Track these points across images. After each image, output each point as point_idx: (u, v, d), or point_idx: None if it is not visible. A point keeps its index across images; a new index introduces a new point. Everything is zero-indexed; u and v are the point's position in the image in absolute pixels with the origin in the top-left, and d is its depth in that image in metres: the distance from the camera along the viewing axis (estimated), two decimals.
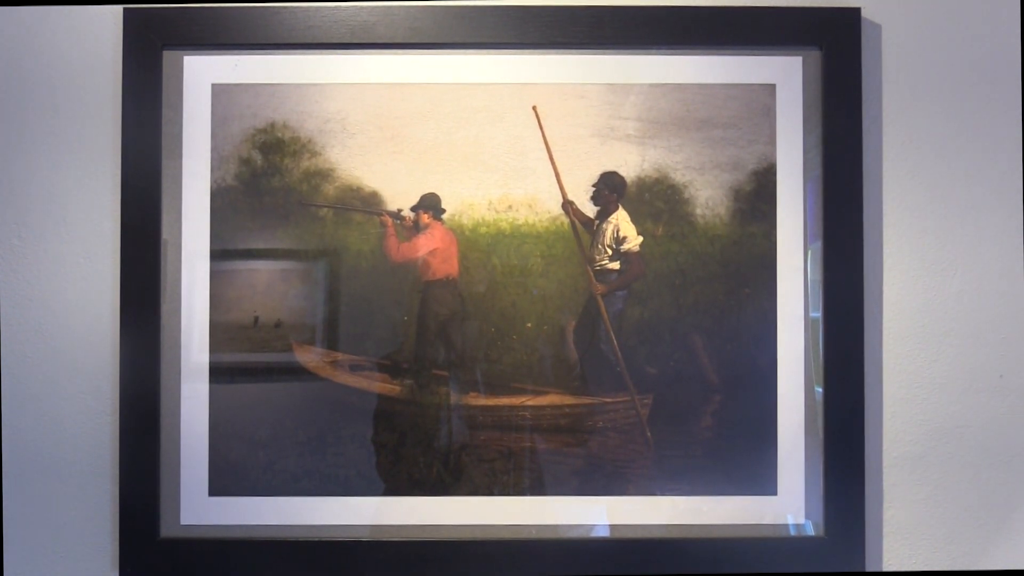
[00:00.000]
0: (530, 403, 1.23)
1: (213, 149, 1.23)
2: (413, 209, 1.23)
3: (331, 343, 1.23)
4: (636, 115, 1.23)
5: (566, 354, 1.23)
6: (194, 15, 1.22)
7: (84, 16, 1.25)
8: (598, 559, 1.21)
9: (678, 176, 1.23)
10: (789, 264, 1.24)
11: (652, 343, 1.23)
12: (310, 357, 1.23)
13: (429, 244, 1.23)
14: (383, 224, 1.23)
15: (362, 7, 1.22)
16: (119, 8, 1.23)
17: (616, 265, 1.24)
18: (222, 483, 1.22)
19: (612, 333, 1.23)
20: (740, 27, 1.22)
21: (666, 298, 1.23)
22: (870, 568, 1.25)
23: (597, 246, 1.24)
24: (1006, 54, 1.26)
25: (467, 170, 1.23)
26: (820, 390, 1.23)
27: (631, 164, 1.23)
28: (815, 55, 1.24)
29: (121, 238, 1.21)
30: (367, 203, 1.23)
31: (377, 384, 1.23)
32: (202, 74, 1.23)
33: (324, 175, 1.23)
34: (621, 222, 1.23)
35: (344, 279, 1.23)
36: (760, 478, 1.23)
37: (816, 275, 1.23)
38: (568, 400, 1.23)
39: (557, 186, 1.23)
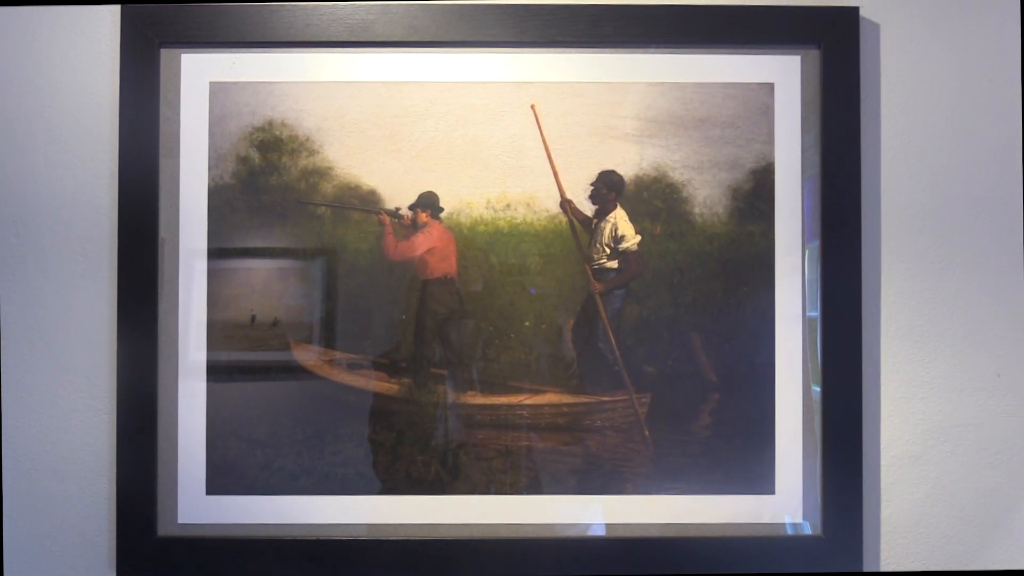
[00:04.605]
0: (528, 402, 1.23)
1: (211, 147, 1.23)
2: (411, 207, 1.23)
3: (329, 341, 1.23)
4: (634, 114, 1.23)
5: (564, 353, 1.23)
6: (192, 13, 1.22)
7: (82, 14, 1.24)
8: (596, 558, 1.21)
9: (676, 175, 1.23)
10: (787, 263, 1.24)
11: (650, 342, 1.23)
12: (308, 355, 1.23)
13: (427, 243, 1.23)
14: (381, 223, 1.23)
15: (360, 5, 1.22)
16: (117, 6, 1.23)
17: (614, 264, 1.24)
18: (219, 482, 1.22)
19: (610, 332, 1.23)
20: (739, 26, 1.22)
21: (664, 297, 1.23)
22: (868, 567, 1.25)
23: (595, 245, 1.24)
24: (1005, 53, 1.26)
25: (465, 168, 1.23)
26: (818, 389, 1.23)
27: (629, 163, 1.23)
28: (814, 54, 1.24)
29: (118, 236, 1.21)
30: (365, 201, 1.23)
31: (375, 383, 1.23)
32: (200, 72, 1.23)
33: (322, 173, 1.23)
34: (619, 221, 1.23)
35: (342, 278, 1.23)
36: (758, 477, 1.23)
37: (814, 274, 1.23)
38: (566, 399, 1.23)
39: (555, 185, 1.23)
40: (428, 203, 1.23)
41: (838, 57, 1.22)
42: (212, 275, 1.22)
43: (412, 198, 1.23)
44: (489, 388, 1.23)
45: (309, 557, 1.20)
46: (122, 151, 1.21)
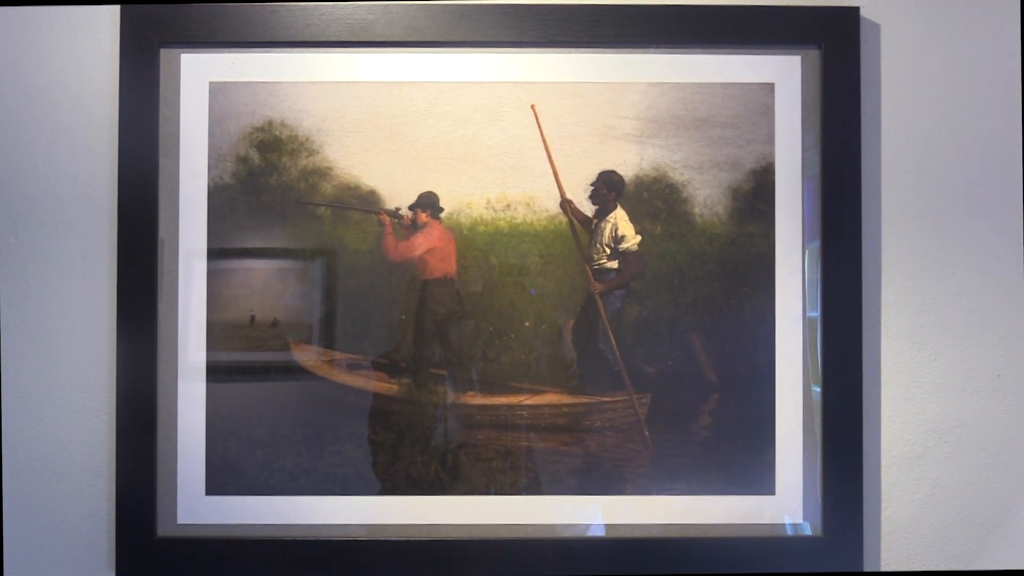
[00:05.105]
0: (528, 402, 1.22)
1: (210, 147, 1.23)
2: (411, 208, 1.23)
3: (328, 342, 1.22)
4: (635, 114, 1.23)
5: (564, 353, 1.23)
6: (191, 13, 1.22)
7: (82, 14, 1.24)
8: (595, 559, 1.21)
9: (676, 175, 1.23)
10: (787, 263, 1.24)
11: (650, 342, 1.23)
12: (307, 356, 1.22)
13: (427, 243, 1.23)
14: (381, 223, 1.23)
15: (360, 5, 1.22)
16: (116, 6, 1.23)
17: (614, 264, 1.24)
18: (219, 482, 1.22)
19: (610, 332, 1.23)
20: (739, 26, 1.22)
21: (664, 297, 1.23)
22: (868, 568, 1.25)
23: (595, 245, 1.24)
24: (1005, 53, 1.26)
25: (465, 169, 1.23)
26: (818, 389, 1.23)
27: (629, 163, 1.23)
28: (814, 54, 1.24)
29: (118, 236, 1.21)
30: (365, 202, 1.23)
31: (374, 383, 1.23)
32: (199, 72, 1.23)
33: (322, 173, 1.23)
34: (619, 221, 1.23)
35: (341, 278, 1.23)
36: (758, 478, 1.23)
37: (814, 274, 1.23)
38: (566, 399, 1.23)
39: (555, 185, 1.23)
40: (428, 203, 1.23)
41: (838, 57, 1.22)
42: (212, 275, 1.22)
43: (412, 198, 1.23)
44: (489, 388, 1.23)
45: (309, 557, 1.20)
46: (122, 151, 1.21)
